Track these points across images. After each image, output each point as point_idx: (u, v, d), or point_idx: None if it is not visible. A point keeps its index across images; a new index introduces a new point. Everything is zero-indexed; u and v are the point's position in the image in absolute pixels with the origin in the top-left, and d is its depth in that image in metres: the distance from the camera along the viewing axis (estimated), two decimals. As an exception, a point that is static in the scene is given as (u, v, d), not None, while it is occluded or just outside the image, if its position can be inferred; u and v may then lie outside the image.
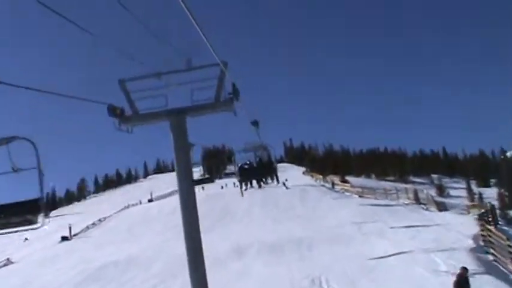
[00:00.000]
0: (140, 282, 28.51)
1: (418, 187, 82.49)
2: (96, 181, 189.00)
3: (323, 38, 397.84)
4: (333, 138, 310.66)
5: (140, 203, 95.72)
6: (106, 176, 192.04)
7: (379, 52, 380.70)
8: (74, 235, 63.21)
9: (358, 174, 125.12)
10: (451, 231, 30.89)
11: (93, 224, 72.96)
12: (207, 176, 35.32)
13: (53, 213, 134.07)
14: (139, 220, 63.97)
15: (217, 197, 67.48)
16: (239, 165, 22.76)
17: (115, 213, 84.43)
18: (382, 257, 24.71)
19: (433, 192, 69.44)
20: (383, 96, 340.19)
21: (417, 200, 52.73)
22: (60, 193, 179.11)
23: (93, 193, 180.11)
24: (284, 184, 30.74)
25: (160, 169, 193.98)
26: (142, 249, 39.22)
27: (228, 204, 59.86)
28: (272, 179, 23.12)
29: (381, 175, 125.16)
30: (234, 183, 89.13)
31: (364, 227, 35.73)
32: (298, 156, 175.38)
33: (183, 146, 9.18)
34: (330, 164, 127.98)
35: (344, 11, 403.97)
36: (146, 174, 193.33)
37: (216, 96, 9.28)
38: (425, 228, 33.30)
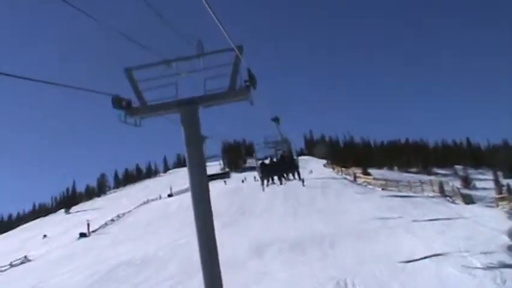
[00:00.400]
0: (155, 283, 27.34)
1: (443, 179, 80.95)
2: (116, 176, 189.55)
3: (343, 28, 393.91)
4: (353, 130, 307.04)
5: (160, 197, 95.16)
6: (126, 171, 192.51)
7: (399, 41, 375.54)
8: (93, 231, 62.74)
9: (380, 166, 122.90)
10: (482, 226, 29.34)
11: (112, 220, 72.63)
12: (226, 169, 34.44)
13: (73, 208, 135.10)
14: (158, 215, 63.50)
15: (237, 191, 66.67)
16: (260, 161, 26.73)
17: (134, 208, 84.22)
18: (412, 260, 23.05)
19: (458, 184, 67.20)
20: (403, 87, 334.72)
21: (442, 193, 51.08)
22: (81, 188, 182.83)
23: (113, 188, 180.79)
24: (303, 181, 29.60)
25: (180, 163, 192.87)
26: (159, 247, 38.27)
27: (248, 199, 58.86)
28: (294, 175, 26.66)
29: (404, 167, 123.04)
30: (255, 177, 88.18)
31: (389, 221, 34.35)
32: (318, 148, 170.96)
33: (194, 139, 8.39)
34: (351, 156, 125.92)
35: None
36: (166, 169, 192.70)
37: (231, 84, 8.46)
38: (454, 222, 31.95)
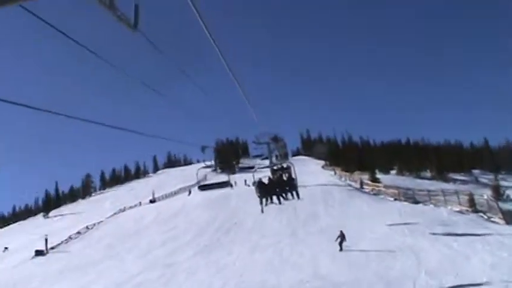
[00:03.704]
0: None
1: (462, 187, 72.58)
2: (102, 177, 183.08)
3: (340, 28, 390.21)
4: (350, 129, 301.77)
5: (140, 204, 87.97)
6: (113, 171, 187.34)
7: (400, 40, 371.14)
8: (52, 248, 55.05)
9: (386, 170, 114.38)
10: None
11: (78, 232, 65.15)
12: (222, 180, 27.52)
13: (54, 212, 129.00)
14: (129, 229, 56.43)
15: (224, 200, 57.75)
16: (257, 179, 28.86)
17: (107, 218, 77.15)
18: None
19: (486, 194, 57.69)
20: (404, 85, 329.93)
21: (473, 207, 42.40)
22: (66, 189, 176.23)
23: (99, 190, 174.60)
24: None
25: (171, 163, 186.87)
26: None
27: (237, 211, 51.29)
28: (292, 194, 27.81)
29: (413, 170, 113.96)
30: (245, 181, 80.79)
31: (423, 252, 25.55)
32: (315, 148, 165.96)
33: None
34: (352, 158, 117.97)
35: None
36: (156, 169, 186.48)
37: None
38: (504, 249, 23.49)
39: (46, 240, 55.35)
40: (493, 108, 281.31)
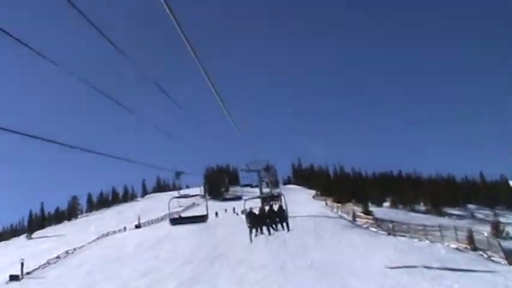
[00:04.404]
0: None
1: (458, 222, 70.70)
2: (89, 199, 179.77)
3: (331, 56, 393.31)
4: (342, 159, 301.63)
5: (125, 229, 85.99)
6: (101, 193, 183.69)
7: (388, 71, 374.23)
8: (27, 273, 52.83)
9: (379, 202, 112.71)
10: None
11: (58, 257, 62.88)
12: (202, 213, 25.46)
13: (38, 233, 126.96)
14: (109, 258, 54.51)
15: (210, 230, 55.63)
16: (248, 209, 28.65)
17: (89, 243, 74.51)
18: None
19: (485, 231, 55.38)
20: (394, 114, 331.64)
21: (472, 244, 40.37)
22: (52, 210, 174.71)
23: (86, 212, 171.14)
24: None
25: (160, 187, 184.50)
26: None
27: (223, 242, 49.25)
28: (282, 226, 28.00)
29: (409, 203, 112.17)
30: (234, 209, 79.19)
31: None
32: (307, 178, 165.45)
33: None
34: (344, 188, 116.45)
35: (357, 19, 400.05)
36: (144, 193, 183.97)
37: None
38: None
39: (22, 264, 53.22)
40: (488, 142, 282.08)
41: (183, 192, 27.05)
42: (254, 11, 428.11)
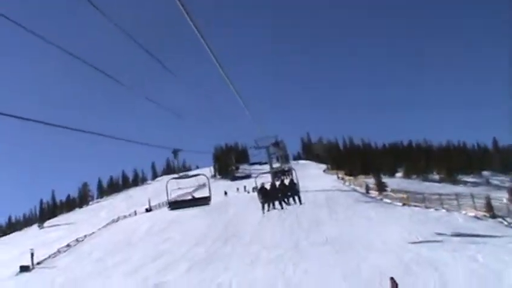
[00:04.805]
0: None
1: (473, 189, 69.36)
2: (99, 185, 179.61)
3: (338, 31, 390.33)
4: (351, 131, 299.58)
5: (135, 213, 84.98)
6: (111, 179, 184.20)
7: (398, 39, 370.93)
8: (38, 263, 51.72)
9: (391, 173, 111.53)
10: None
11: (68, 245, 62.01)
12: (207, 193, 23.94)
13: (50, 221, 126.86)
14: (120, 242, 53.28)
15: (221, 209, 55.20)
16: (260, 185, 29.07)
17: (99, 229, 74.41)
18: None
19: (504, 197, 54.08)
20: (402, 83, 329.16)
21: (490, 211, 39.31)
22: (63, 198, 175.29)
23: (97, 198, 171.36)
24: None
25: (170, 169, 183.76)
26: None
27: (235, 222, 48.57)
28: (294, 200, 28.10)
29: (422, 173, 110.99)
30: (245, 187, 78.52)
31: (444, 267, 22.31)
32: (316, 152, 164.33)
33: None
34: (354, 160, 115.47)
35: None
36: (155, 176, 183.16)
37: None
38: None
39: (32, 254, 52.16)
40: (498, 107, 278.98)
41: (185, 174, 24.89)
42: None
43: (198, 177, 24.76)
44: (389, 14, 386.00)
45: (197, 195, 28.82)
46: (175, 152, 19.03)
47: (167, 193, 23.72)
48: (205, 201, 23.72)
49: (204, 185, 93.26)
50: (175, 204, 25.09)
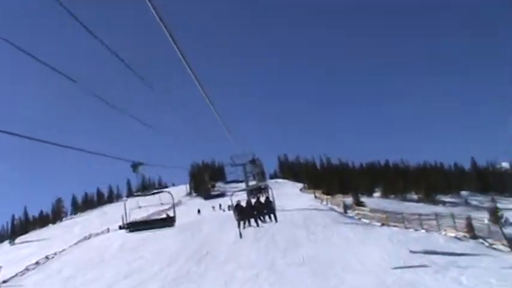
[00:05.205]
0: None
1: (453, 210, 68.91)
2: (74, 201, 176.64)
3: (315, 47, 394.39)
4: (328, 151, 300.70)
5: (108, 230, 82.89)
6: (86, 195, 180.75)
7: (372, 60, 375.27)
8: (4, 282, 50.10)
9: (368, 192, 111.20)
10: None
11: (37, 262, 59.79)
12: (170, 213, 22.17)
13: (21, 238, 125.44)
14: (92, 259, 51.86)
15: (196, 228, 54.33)
16: (235, 202, 29.29)
17: (70, 246, 72.78)
18: None
19: (484, 217, 53.47)
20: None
21: (471, 232, 38.65)
22: (36, 213, 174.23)
23: (71, 214, 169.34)
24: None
25: (145, 187, 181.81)
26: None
27: (209, 240, 47.39)
28: (270, 217, 27.77)
29: (401, 193, 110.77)
30: (220, 205, 78.04)
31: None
32: (294, 171, 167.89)
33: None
34: (332, 180, 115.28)
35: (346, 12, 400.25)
36: (130, 193, 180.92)
37: None
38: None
39: (-2, 273, 50.90)
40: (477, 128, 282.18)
41: (145, 192, 22.81)
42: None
43: (161, 194, 22.57)
44: (363, 33, 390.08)
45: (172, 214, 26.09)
46: (134, 166, 16.56)
47: (125, 213, 21.44)
48: (168, 222, 21.59)
49: (180, 203, 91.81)
50: (134, 226, 22.96)
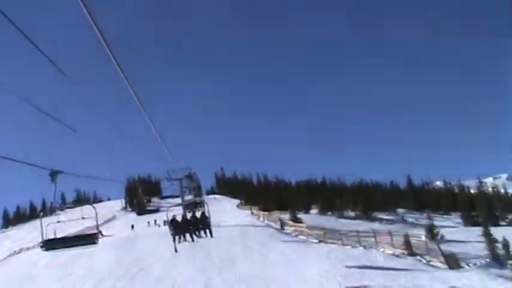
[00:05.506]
0: None
1: (390, 227, 69.28)
2: (5, 214, 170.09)
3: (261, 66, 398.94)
4: (264, 168, 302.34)
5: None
6: (18, 208, 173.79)
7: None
8: None
9: (305, 209, 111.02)
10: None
11: (-37, 279, 57.03)
12: (94, 230, 20.19)
13: None
14: (19, 277, 49.29)
15: (130, 244, 52.75)
16: (171, 217, 29.34)
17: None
18: None
19: (422, 235, 53.34)
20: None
21: (409, 249, 38.49)
22: None
23: (2, 228, 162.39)
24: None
25: (80, 200, 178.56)
26: None
27: (145, 255, 45.84)
28: (205, 232, 28.18)
29: (338, 209, 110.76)
30: (155, 221, 76.85)
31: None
32: (231, 187, 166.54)
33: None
34: (269, 196, 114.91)
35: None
36: (44, 208, 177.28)
37: None
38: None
39: None
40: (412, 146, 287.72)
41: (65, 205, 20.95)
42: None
43: (83, 207, 20.93)
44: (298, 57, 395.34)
45: (106, 230, 24.20)
46: (53, 175, 14.58)
47: (41, 230, 18.97)
48: (90, 239, 19.31)
49: (114, 218, 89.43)
50: (50, 244, 19.82)
